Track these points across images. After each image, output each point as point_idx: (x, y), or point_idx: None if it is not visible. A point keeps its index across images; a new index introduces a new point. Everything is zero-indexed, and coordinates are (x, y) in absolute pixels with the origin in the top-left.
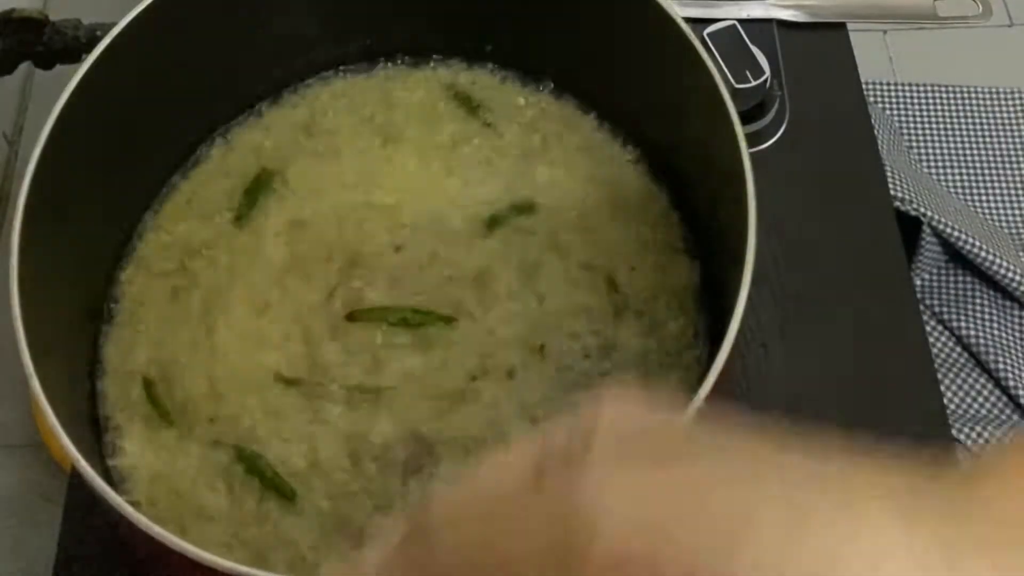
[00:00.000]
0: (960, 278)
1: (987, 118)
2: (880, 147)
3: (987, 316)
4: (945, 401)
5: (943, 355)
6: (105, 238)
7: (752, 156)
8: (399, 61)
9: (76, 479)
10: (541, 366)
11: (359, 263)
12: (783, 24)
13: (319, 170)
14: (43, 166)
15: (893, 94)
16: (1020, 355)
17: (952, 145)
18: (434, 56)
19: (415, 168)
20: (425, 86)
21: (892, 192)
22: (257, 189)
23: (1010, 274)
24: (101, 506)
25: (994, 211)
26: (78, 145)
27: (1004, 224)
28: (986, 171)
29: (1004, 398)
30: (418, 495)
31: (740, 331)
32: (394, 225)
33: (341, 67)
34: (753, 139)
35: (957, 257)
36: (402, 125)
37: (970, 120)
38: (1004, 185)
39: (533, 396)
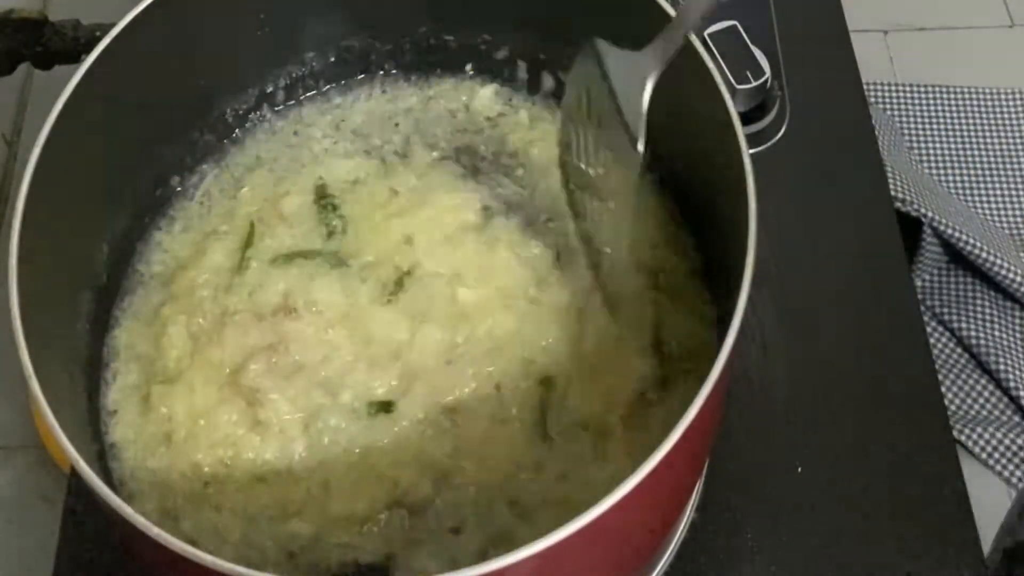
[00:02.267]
0: (961, 279)
1: (987, 118)
2: (880, 147)
3: (988, 317)
4: (946, 402)
5: (943, 356)
6: (104, 239)
7: (753, 157)
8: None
9: (76, 479)
10: None
11: None
12: (783, 24)
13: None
14: (42, 167)
15: (893, 94)
16: (1020, 356)
17: (952, 145)
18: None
19: None
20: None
21: (892, 192)
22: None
23: (1010, 275)
24: (100, 507)
25: (994, 211)
26: (77, 146)
27: (1004, 224)
28: (986, 171)
29: (1004, 399)
30: None
31: (740, 331)
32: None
33: (346, 78)
34: (754, 140)
35: (958, 258)
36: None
37: (970, 120)
38: (1004, 185)
39: None
